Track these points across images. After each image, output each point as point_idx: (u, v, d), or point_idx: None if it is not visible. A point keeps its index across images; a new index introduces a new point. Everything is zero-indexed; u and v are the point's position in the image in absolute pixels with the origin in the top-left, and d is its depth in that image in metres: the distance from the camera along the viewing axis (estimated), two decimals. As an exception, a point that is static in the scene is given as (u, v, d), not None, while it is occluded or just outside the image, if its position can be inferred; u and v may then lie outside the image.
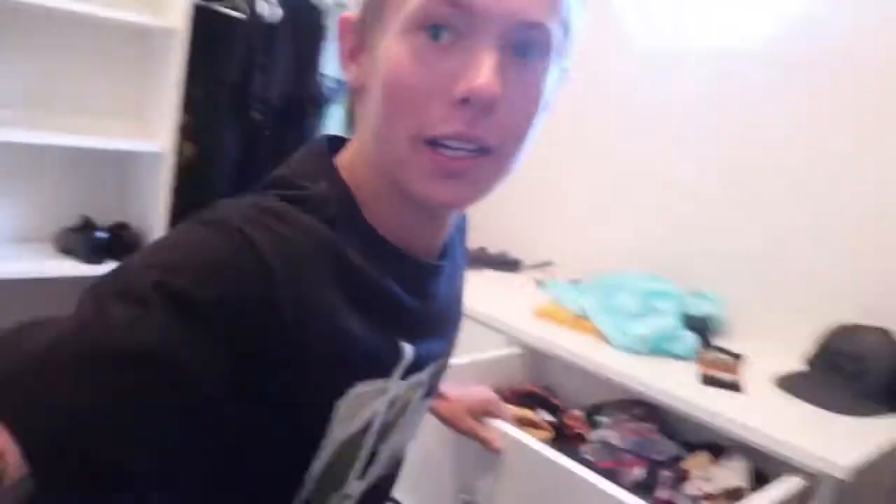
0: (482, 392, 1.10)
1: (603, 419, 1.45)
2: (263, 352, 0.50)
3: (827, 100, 1.61)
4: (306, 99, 2.24)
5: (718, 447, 1.35)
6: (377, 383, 0.60)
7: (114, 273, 0.49)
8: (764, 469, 1.28)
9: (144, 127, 2.21)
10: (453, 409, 1.03)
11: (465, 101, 0.51)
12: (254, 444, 0.53)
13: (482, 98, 0.51)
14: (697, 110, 1.87)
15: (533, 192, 2.26)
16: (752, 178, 1.75)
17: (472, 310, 1.72)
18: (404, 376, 0.64)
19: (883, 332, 1.44)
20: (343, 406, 0.57)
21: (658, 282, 1.78)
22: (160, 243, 0.53)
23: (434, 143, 0.53)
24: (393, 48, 0.53)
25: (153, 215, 2.11)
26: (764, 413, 1.29)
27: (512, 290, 2.01)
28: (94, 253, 1.96)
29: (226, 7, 2.11)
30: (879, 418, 1.32)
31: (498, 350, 1.62)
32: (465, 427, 1.05)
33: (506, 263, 2.21)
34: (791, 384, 1.44)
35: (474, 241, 2.31)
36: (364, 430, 0.61)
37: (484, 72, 0.50)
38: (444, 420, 1.05)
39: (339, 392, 0.56)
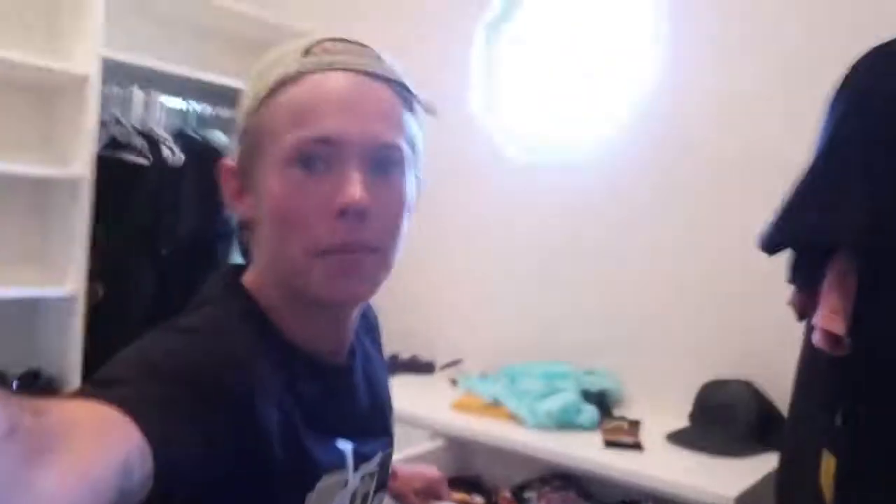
0: (429, 472, 1.16)
1: (529, 494, 1.60)
2: (247, 439, 0.57)
3: (670, 188, 1.96)
4: (214, 234, 2.36)
5: (631, 502, 1.54)
6: (337, 474, 0.68)
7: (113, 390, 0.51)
8: (670, 514, 1.47)
9: (52, 272, 2.24)
10: (401, 487, 1.10)
11: (342, 213, 0.61)
12: None
13: (356, 208, 0.61)
14: (561, 212, 2.17)
15: (434, 297, 2.47)
16: (618, 265, 2.04)
17: (394, 410, 1.85)
18: (356, 468, 0.71)
19: (746, 384, 1.72)
20: (314, 498, 0.64)
21: (556, 365, 2.01)
22: (146, 351, 0.59)
23: (325, 252, 0.63)
24: (275, 183, 0.63)
25: (67, 360, 2.10)
26: (662, 465, 1.50)
27: (429, 389, 2.16)
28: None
29: (129, 155, 2.25)
30: (752, 456, 1.57)
31: (423, 444, 1.75)
32: None
33: (419, 366, 2.36)
34: (680, 438, 1.67)
35: (386, 348, 2.46)
36: None
37: (354, 188, 0.61)
38: (393, 497, 1.14)
39: (309, 485, 0.64)
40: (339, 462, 0.69)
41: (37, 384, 2.06)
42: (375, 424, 0.79)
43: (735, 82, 1.84)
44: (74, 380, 2.10)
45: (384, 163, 0.65)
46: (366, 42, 0.70)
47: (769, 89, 1.78)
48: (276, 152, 0.63)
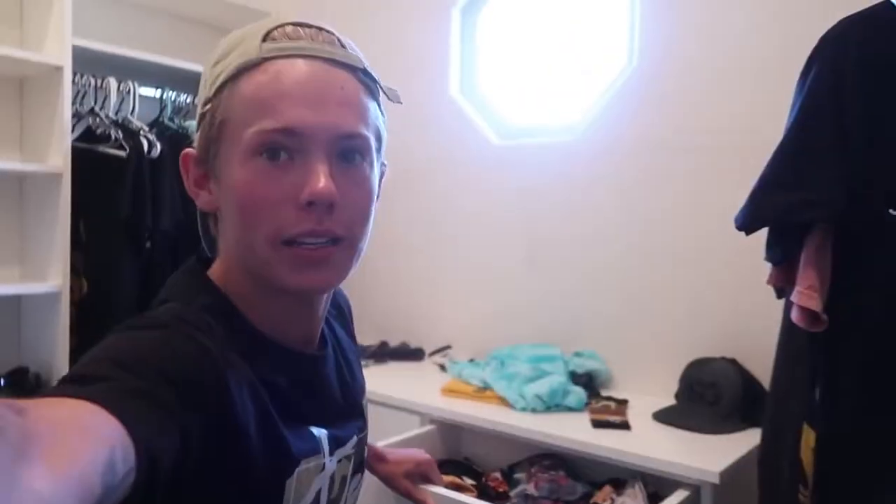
0: (420, 455, 1.18)
1: (519, 475, 1.62)
2: (223, 430, 0.58)
3: (651, 170, 1.96)
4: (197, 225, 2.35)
5: (619, 480, 1.56)
6: (314, 460, 0.69)
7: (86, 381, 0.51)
8: (658, 490, 1.49)
9: (34, 269, 2.22)
10: (392, 470, 1.10)
11: (310, 203, 0.61)
12: None
13: (323, 199, 0.61)
14: (545, 196, 2.17)
15: (421, 284, 2.48)
16: (602, 247, 2.05)
17: (385, 396, 1.87)
18: (332, 452, 0.73)
19: (731, 361, 1.74)
20: (293, 483, 0.66)
21: (544, 348, 2.02)
22: (116, 348, 0.56)
23: (292, 241, 0.63)
24: (240, 173, 0.63)
25: (53, 356, 2.09)
26: (649, 443, 1.52)
27: (418, 375, 2.17)
28: (-6, 401, 1.91)
29: (107, 147, 2.22)
30: (737, 433, 1.59)
31: (413, 429, 1.76)
32: (402, 488, 1.12)
33: (408, 353, 2.37)
34: (666, 416, 1.69)
35: (375, 336, 2.48)
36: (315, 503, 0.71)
37: (320, 178, 0.61)
38: (384, 480, 1.14)
39: (287, 471, 0.65)
40: (314, 448, 0.70)
41: (25, 382, 2.05)
42: (349, 409, 0.80)
43: (711, 62, 1.83)
44: (62, 375, 2.08)
45: (349, 152, 0.65)
46: (343, 30, 0.69)
47: (744, 69, 1.78)
48: (240, 142, 0.63)
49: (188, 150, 0.69)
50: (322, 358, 0.75)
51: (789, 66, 1.15)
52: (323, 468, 0.71)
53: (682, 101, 1.89)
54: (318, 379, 0.75)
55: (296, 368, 0.70)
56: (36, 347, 2.19)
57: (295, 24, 0.66)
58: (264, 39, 0.64)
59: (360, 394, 0.85)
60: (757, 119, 1.74)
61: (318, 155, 0.62)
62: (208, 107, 0.66)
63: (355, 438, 0.79)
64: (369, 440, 0.92)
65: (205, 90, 0.67)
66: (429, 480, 1.18)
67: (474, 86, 2.44)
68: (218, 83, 0.65)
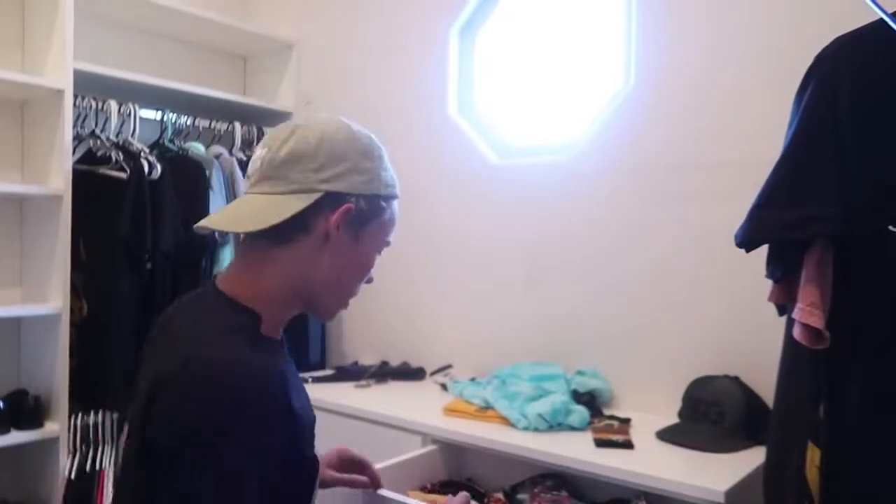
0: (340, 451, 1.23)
1: (522, 496, 1.60)
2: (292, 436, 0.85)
3: (651, 188, 1.97)
4: (197, 245, 2.35)
5: (622, 500, 1.54)
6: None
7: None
8: (661, 511, 1.48)
9: (34, 290, 2.22)
10: (325, 476, 1.14)
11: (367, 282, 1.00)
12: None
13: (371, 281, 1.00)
14: (544, 214, 2.18)
15: (422, 304, 2.47)
16: (603, 265, 2.05)
17: (386, 416, 1.86)
18: None
19: (734, 379, 1.73)
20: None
21: (545, 367, 2.02)
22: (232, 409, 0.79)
23: (350, 298, 0.99)
24: (373, 253, 0.97)
25: (53, 378, 2.08)
26: (653, 463, 1.50)
27: (419, 395, 2.15)
28: (-6, 424, 1.90)
29: (108, 169, 2.23)
30: (742, 451, 1.58)
31: (415, 450, 1.74)
32: (339, 480, 1.17)
33: (409, 373, 2.36)
34: (670, 435, 1.67)
35: (375, 356, 2.47)
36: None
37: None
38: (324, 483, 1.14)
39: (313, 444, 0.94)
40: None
41: (24, 404, 2.04)
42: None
43: (710, 80, 1.84)
44: (62, 398, 2.08)
45: None
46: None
47: (744, 87, 1.79)
48: (381, 238, 0.97)
49: (348, 205, 0.91)
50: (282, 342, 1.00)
51: (790, 84, 1.15)
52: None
53: (681, 119, 1.90)
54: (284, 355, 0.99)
55: (279, 353, 0.95)
56: (35, 370, 2.19)
57: None
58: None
59: None
60: (757, 137, 1.75)
61: None
62: (381, 201, 0.94)
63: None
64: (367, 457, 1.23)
65: (381, 185, 0.94)
66: (355, 463, 1.21)
67: (472, 106, 2.45)
68: (391, 192, 0.96)
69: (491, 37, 2.44)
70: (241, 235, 0.94)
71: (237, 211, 0.93)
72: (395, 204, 0.97)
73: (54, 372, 2.08)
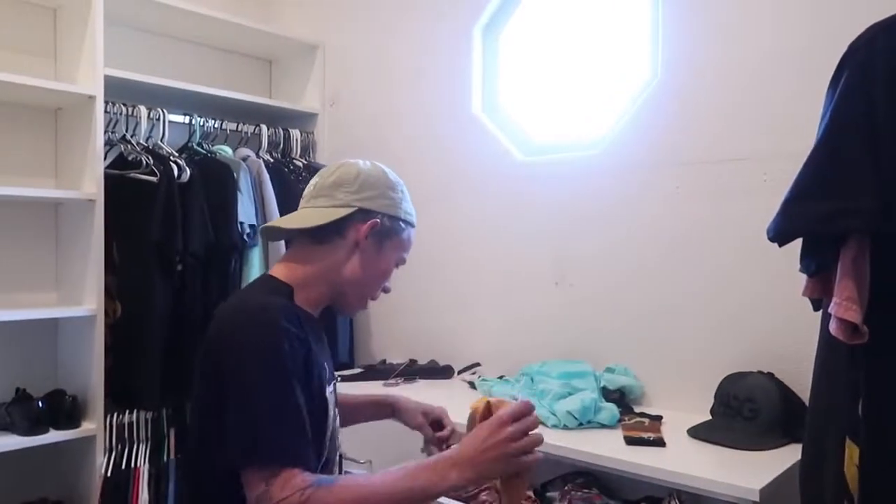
0: (435, 405, 1.47)
1: (552, 494, 1.60)
2: (308, 364, 1.09)
3: (679, 182, 1.94)
4: (227, 246, 2.38)
5: (654, 498, 1.52)
6: (330, 387, 1.19)
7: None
8: (694, 509, 1.46)
9: (69, 293, 2.27)
10: (410, 407, 1.43)
11: (383, 291, 1.28)
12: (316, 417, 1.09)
13: (388, 291, 1.29)
14: (572, 211, 2.16)
15: (449, 302, 2.47)
16: (633, 260, 2.02)
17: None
18: (329, 382, 1.19)
19: (767, 375, 1.70)
20: (329, 397, 1.16)
21: (574, 364, 2.00)
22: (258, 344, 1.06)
23: (369, 300, 1.27)
24: (390, 263, 1.25)
25: (89, 378, 2.13)
26: (685, 460, 1.48)
27: (448, 393, 2.16)
28: (34, 424, 1.95)
29: (139, 173, 2.26)
30: (777, 448, 1.55)
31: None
32: (417, 423, 1.42)
33: (437, 371, 2.36)
34: (702, 432, 1.65)
35: (403, 354, 2.48)
36: (334, 414, 1.21)
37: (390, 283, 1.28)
38: (401, 412, 1.44)
39: (327, 386, 1.15)
40: (331, 375, 1.21)
41: (62, 404, 2.08)
42: (330, 362, 1.25)
43: (738, 71, 1.81)
44: (98, 398, 2.13)
45: None
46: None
47: (773, 78, 1.76)
48: (397, 253, 1.25)
49: (375, 220, 1.20)
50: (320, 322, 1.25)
51: (821, 74, 1.13)
52: (333, 392, 1.21)
53: (709, 112, 1.87)
54: (321, 333, 1.24)
55: (317, 327, 1.21)
56: (72, 371, 2.24)
57: None
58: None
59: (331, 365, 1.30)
60: (787, 130, 1.72)
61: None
62: (400, 222, 1.24)
63: (335, 383, 1.25)
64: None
65: (401, 211, 1.24)
66: (441, 424, 1.42)
67: (497, 103, 2.44)
68: (409, 219, 1.26)
69: (515, 34, 2.43)
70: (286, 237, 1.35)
71: (292, 218, 1.23)
72: (412, 231, 1.26)
73: (90, 372, 2.13)
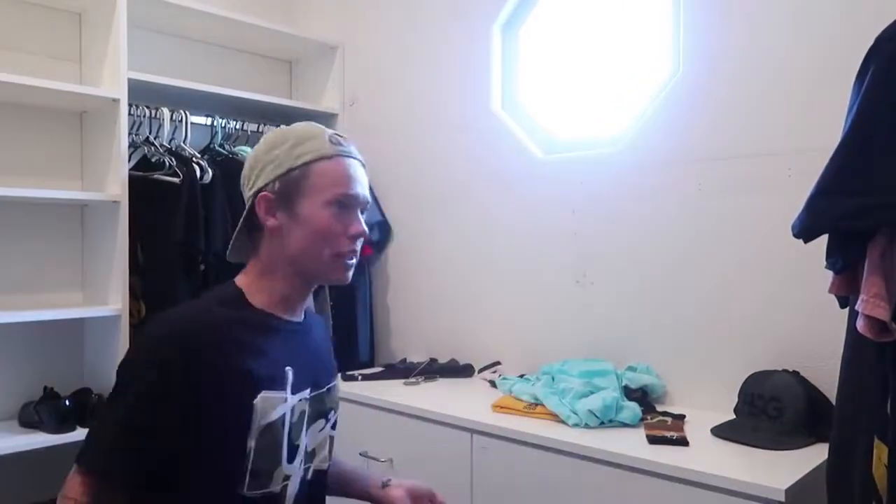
0: (422, 484, 1.31)
1: (572, 493, 1.58)
2: (197, 382, 1.00)
3: (702, 179, 1.92)
4: (248, 246, 2.39)
5: (677, 498, 1.50)
6: (277, 394, 1.08)
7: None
8: (719, 509, 1.44)
9: (95, 293, 2.30)
10: (394, 494, 1.26)
11: (355, 237, 1.12)
12: (214, 429, 1.02)
13: (361, 234, 1.13)
14: (593, 209, 2.15)
15: (470, 300, 2.47)
16: (655, 259, 2.01)
17: (435, 413, 1.87)
18: (294, 392, 1.11)
19: (793, 374, 1.67)
20: (259, 404, 1.04)
21: (595, 363, 1.99)
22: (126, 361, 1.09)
23: (342, 256, 1.12)
24: (321, 214, 1.09)
25: (114, 377, 2.15)
26: (709, 460, 1.47)
27: (468, 392, 2.15)
28: (62, 422, 1.98)
29: (162, 174, 2.29)
30: (803, 448, 1.53)
31: (464, 446, 1.74)
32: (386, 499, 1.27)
33: (458, 370, 2.36)
34: (726, 431, 1.63)
35: (423, 353, 2.48)
36: (279, 423, 1.07)
37: (361, 224, 1.14)
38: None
39: (253, 395, 1.04)
40: (280, 382, 1.08)
41: (88, 402, 2.12)
42: (315, 368, 1.19)
43: (763, 65, 1.79)
44: (122, 397, 2.15)
45: (364, 209, 1.16)
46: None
47: (798, 71, 1.73)
48: (321, 197, 1.09)
49: (264, 193, 1.10)
50: (301, 324, 1.19)
51: (846, 67, 1.11)
52: (285, 400, 1.09)
53: (731, 107, 1.85)
54: (295, 337, 1.16)
55: (280, 329, 1.13)
56: (98, 369, 2.27)
57: (337, 135, 1.14)
58: (332, 143, 1.12)
59: (324, 365, 1.24)
60: (812, 124, 1.69)
61: (356, 211, 1.14)
62: (294, 172, 1.09)
63: (309, 391, 1.15)
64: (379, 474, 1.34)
65: (287, 161, 1.09)
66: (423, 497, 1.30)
67: (517, 101, 2.44)
68: (302, 160, 1.09)
69: (534, 30, 2.42)
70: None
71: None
72: (320, 165, 1.09)
73: (115, 372, 2.15)
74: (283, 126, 1.17)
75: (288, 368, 1.10)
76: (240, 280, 1.14)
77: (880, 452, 0.99)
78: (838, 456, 1.13)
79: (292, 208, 1.08)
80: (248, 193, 1.13)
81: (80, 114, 2.39)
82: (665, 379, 1.95)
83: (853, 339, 1.06)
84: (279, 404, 1.07)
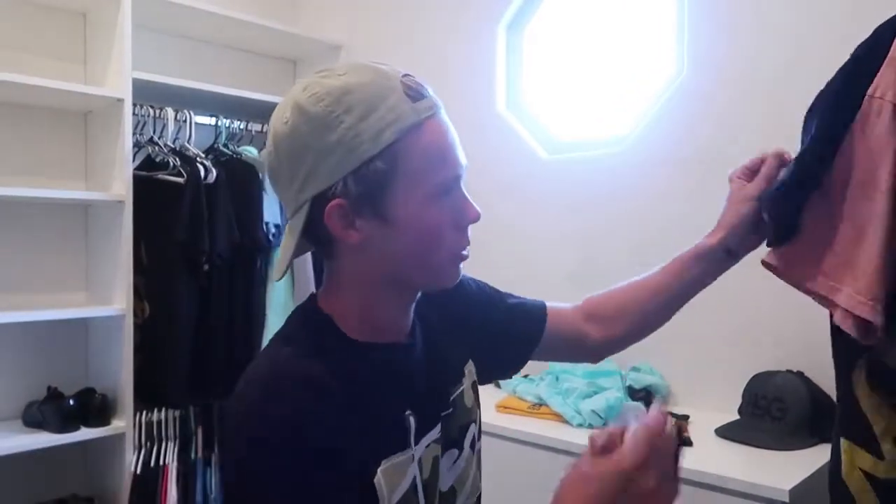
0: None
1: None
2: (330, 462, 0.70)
3: (705, 180, 1.92)
4: (252, 246, 2.40)
5: (680, 499, 1.50)
6: (401, 456, 0.78)
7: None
8: (723, 509, 1.44)
9: (99, 293, 2.31)
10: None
11: (471, 223, 0.82)
12: None
13: (478, 218, 0.83)
14: (596, 208, 2.14)
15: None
16: (657, 259, 1.99)
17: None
18: (417, 441, 0.81)
19: (797, 374, 1.67)
20: (382, 480, 0.75)
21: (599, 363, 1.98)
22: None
23: (457, 255, 0.83)
24: (425, 210, 0.76)
25: (119, 377, 2.16)
26: (713, 460, 1.46)
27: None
28: (65, 422, 1.99)
29: (166, 174, 2.30)
30: (807, 448, 1.53)
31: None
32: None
33: (460, 369, 2.35)
34: (730, 432, 1.63)
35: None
36: (411, 491, 0.79)
37: (473, 204, 0.83)
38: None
39: (372, 472, 0.74)
40: (402, 442, 0.79)
41: (91, 402, 2.12)
42: (435, 393, 0.87)
43: (766, 66, 1.78)
44: (127, 396, 2.16)
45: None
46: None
47: (801, 72, 1.73)
48: (421, 189, 0.76)
49: (336, 201, 0.75)
50: (410, 346, 0.86)
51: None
52: (413, 459, 0.79)
53: (735, 108, 1.84)
54: (408, 363, 0.85)
55: (391, 361, 0.82)
56: (102, 369, 2.27)
57: (408, 77, 0.78)
58: (410, 99, 0.76)
59: (449, 379, 0.91)
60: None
61: (462, 189, 0.83)
62: (375, 163, 0.74)
63: (439, 426, 0.85)
64: None
65: (360, 148, 0.73)
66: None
67: (521, 101, 2.44)
68: (384, 142, 0.73)
69: (538, 31, 2.42)
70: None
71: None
72: (411, 142, 0.74)
73: (120, 371, 2.16)
74: (318, 74, 0.81)
75: (408, 413, 0.80)
76: (325, 303, 0.82)
77: (852, 456, 0.97)
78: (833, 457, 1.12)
79: (381, 213, 0.75)
80: (296, 197, 0.76)
81: (85, 114, 2.40)
82: (669, 379, 1.95)
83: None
84: (407, 467, 0.78)
